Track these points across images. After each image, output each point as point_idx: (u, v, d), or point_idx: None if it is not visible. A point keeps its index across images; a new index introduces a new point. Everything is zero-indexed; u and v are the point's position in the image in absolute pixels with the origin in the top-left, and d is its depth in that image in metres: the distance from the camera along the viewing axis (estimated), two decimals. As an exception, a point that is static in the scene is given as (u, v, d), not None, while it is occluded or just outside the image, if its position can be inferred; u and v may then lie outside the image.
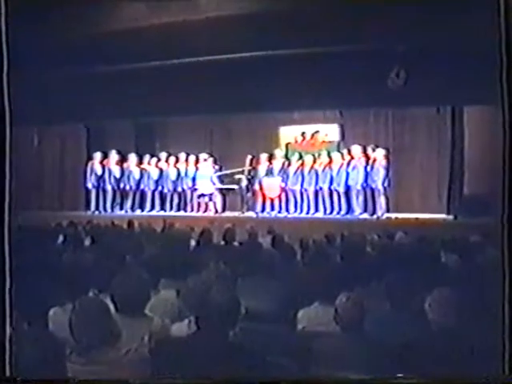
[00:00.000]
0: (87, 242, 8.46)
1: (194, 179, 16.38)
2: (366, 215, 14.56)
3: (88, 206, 16.84)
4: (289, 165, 15.63)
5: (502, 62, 4.07)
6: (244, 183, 15.43)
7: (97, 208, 16.68)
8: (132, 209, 16.70)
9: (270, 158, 15.80)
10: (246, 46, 13.14)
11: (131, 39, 13.29)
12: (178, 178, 16.61)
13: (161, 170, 16.78)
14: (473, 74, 10.94)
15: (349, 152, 15.03)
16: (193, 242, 8.59)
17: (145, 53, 13.56)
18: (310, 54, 12.93)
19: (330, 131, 15.99)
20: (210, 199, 16.06)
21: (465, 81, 11.72)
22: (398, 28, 11.42)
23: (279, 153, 15.88)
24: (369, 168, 14.56)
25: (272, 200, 15.58)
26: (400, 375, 4.05)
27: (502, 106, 4.06)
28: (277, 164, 15.69)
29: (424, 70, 12.40)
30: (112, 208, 16.68)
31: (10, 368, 4.08)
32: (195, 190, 16.28)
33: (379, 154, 14.55)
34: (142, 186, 16.78)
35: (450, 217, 14.11)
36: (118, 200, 16.78)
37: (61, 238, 8.57)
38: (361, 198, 14.68)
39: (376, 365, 4.23)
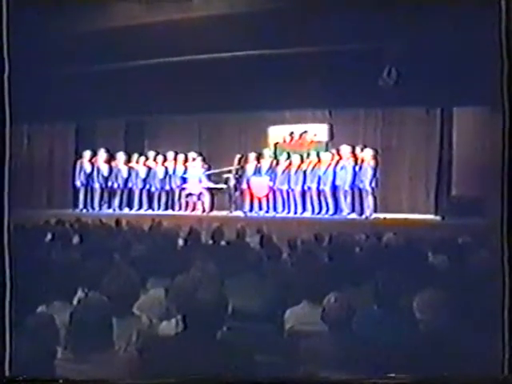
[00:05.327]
0: (75, 240, 8.44)
1: (182, 178, 16.38)
2: (354, 215, 14.57)
3: (76, 204, 16.81)
4: (277, 164, 15.64)
5: (502, 62, 4.07)
6: (232, 182, 15.41)
7: (85, 206, 16.65)
8: (120, 207, 16.67)
9: (259, 157, 15.80)
10: (235, 45, 13.12)
11: (121, 38, 13.25)
12: (165, 177, 16.60)
13: (149, 169, 16.76)
14: (464, 75, 10.99)
15: (337, 152, 15.03)
16: (181, 241, 8.59)
17: (135, 52, 13.53)
18: (300, 53, 12.94)
19: (319, 131, 16.00)
20: (199, 198, 16.04)
21: (455, 82, 11.74)
22: (389, 28, 11.42)
23: (267, 152, 15.88)
24: (357, 168, 14.56)
25: (260, 199, 15.58)
26: (390, 375, 4.05)
27: (503, 107, 4.06)
28: (265, 163, 15.70)
29: (415, 70, 12.41)
30: (100, 206, 16.66)
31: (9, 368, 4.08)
32: (183, 188, 16.26)
33: (367, 155, 14.57)
34: (129, 185, 16.75)
35: (438, 217, 14.15)
36: (106, 198, 16.76)
37: (49, 236, 8.55)
38: (349, 198, 14.68)
39: (363, 364, 4.24)
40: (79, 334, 4.00)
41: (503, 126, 4.06)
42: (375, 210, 14.47)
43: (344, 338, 4.46)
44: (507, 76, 4.07)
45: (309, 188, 15.12)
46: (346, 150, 14.82)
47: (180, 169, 16.52)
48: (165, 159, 16.73)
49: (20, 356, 3.97)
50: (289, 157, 15.61)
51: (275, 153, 16.08)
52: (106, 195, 16.80)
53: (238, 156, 15.57)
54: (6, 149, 4.19)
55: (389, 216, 14.17)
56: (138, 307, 4.87)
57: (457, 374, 4.05)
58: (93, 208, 16.64)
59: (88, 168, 16.68)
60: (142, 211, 16.47)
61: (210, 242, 8.94)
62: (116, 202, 16.71)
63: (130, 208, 16.69)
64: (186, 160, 16.58)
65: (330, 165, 14.90)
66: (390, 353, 4.15)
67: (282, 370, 4.30)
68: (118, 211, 16.28)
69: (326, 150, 15.48)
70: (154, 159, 16.83)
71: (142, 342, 4.19)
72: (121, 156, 16.80)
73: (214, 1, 13.19)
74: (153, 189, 16.70)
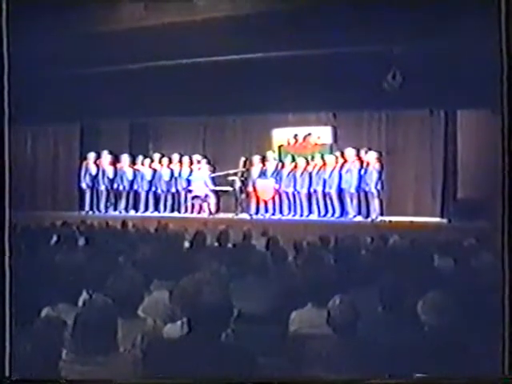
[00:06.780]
0: (81, 243, 8.45)
1: (187, 180, 16.38)
2: (360, 218, 14.55)
3: (82, 207, 16.82)
4: (282, 167, 15.63)
5: (502, 65, 4.06)
6: (238, 185, 15.41)
7: (91, 208, 16.66)
8: (126, 209, 16.67)
9: (263, 159, 15.79)
10: (240, 47, 13.11)
11: (126, 40, 13.26)
12: (171, 179, 16.60)
13: (154, 171, 16.76)
14: (468, 78, 10.96)
15: (342, 155, 15.03)
16: (186, 244, 8.58)
17: (139, 53, 13.53)
18: (305, 55, 12.93)
19: (323, 134, 15.99)
20: (204, 201, 16.03)
21: (459, 84, 11.73)
22: (393, 30, 11.41)
23: (271, 155, 15.87)
24: (362, 171, 14.55)
25: (266, 202, 15.57)
26: (394, 376, 4.05)
27: (502, 109, 4.06)
28: (270, 166, 15.69)
29: (419, 73, 12.39)
30: (106, 208, 16.67)
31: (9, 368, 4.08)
32: (189, 191, 16.26)
33: (372, 157, 14.55)
34: (135, 187, 16.76)
35: (444, 220, 14.13)
36: (112, 200, 16.76)
37: (54, 238, 8.56)
38: (355, 200, 14.67)
39: (368, 366, 4.23)
40: (84, 336, 4.00)
41: (502, 128, 4.05)
42: (381, 213, 14.45)
43: (349, 341, 4.45)
44: (507, 78, 4.06)
45: (314, 191, 15.11)
46: (350, 152, 14.81)
47: (185, 171, 16.52)
48: (170, 161, 16.74)
49: (25, 358, 3.97)
50: (293, 159, 15.61)
51: (279, 155, 16.07)
52: (111, 197, 16.81)
53: (243, 159, 15.57)
54: (4, 150, 4.19)
55: (394, 219, 14.15)
56: (143, 309, 4.86)
57: (458, 375, 4.04)
58: (99, 210, 16.64)
59: (93, 170, 16.69)
60: (147, 213, 16.47)
61: (216, 244, 8.93)
62: (122, 204, 16.71)
63: (136, 210, 16.69)
64: (191, 162, 16.58)
65: (335, 167, 14.90)
66: (394, 355, 4.14)
67: (286, 373, 4.29)
68: (123, 213, 16.29)
69: (330, 153, 15.47)
70: (159, 161, 16.83)
71: (147, 345, 4.18)
72: (125, 158, 16.81)
73: (217, 3, 13.18)
74: (159, 191, 16.71)
